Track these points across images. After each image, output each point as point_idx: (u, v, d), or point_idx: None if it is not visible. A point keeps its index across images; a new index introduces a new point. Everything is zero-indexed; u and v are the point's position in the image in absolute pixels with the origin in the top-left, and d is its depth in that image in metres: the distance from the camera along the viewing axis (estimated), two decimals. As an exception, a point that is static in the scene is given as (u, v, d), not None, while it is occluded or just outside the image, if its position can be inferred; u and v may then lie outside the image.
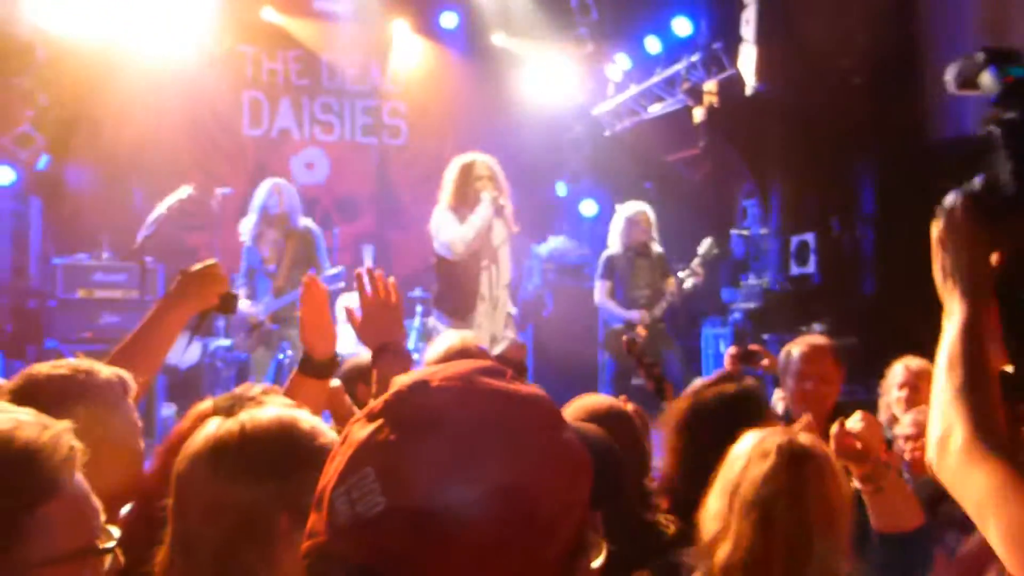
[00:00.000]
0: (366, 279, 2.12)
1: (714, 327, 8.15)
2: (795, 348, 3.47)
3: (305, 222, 6.46)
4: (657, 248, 6.66)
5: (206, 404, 1.82)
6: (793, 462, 1.69)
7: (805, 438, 1.76)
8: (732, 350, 4.16)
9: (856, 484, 2.04)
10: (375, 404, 0.90)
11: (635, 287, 6.54)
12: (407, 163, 10.19)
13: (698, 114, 8.03)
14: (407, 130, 10.28)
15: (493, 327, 5.19)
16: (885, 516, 2.09)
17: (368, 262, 8.37)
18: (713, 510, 1.76)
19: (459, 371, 0.91)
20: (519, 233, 5.54)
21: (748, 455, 1.72)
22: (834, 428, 2.10)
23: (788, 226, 7.71)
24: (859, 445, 2.08)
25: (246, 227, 6.62)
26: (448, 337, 3.06)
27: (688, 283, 6.45)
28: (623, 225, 6.61)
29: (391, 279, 2.14)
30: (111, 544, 1.15)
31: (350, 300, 6.77)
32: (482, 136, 8.58)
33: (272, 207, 6.45)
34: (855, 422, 2.10)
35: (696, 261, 6.41)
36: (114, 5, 8.19)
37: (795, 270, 7.65)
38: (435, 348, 2.98)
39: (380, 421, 0.88)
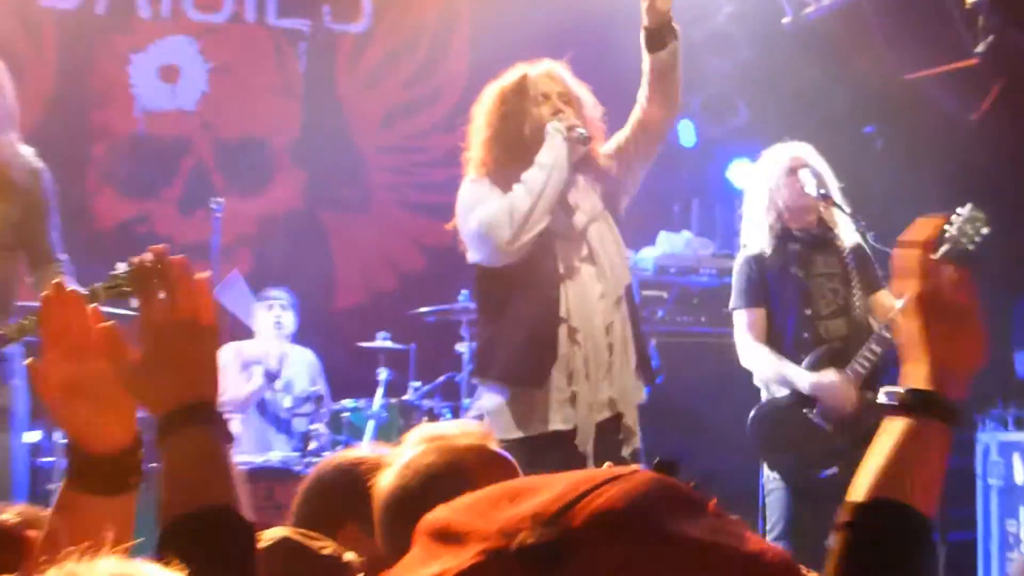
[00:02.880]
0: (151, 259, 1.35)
1: (998, 431, 5.52)
2: None
3: (28, 157, 4.17)
4: (850, 234, 4.47)
5: None
6: None
7: None
8: None
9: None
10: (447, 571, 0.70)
11: (814, 315, 4.41)
12: (371, 75, 7.27)
13: (975, -13, 5.80)
14: (371, 8, 7.16)
15: (601, 393, 3.57)
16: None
17: (284, 323, 5.95)
18: None
19: (634, 504, 0.67)
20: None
21: None
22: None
23: None
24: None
25: None
26: (434, 430, 1.93)
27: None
28: (771, 187, 4.46)
29: (204, 273, 1.31)
30: None
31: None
32: (519, 24, 6.21)
33: None
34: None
35: (943, 250, 4.05)
36: None
37: None
38: (408, 450, 1.89)
39: None
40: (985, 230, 4.26)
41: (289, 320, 5.83)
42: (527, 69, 3.73)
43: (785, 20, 6.56)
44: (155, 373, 1.28)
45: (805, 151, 4.56)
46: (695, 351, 6.28)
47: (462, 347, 5.47)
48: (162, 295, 1.32)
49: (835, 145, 5.59)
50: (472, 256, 3.61)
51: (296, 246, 6.72)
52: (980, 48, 5.67)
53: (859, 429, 4.28)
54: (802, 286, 4.56)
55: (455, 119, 5.48)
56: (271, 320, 5.62)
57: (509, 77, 3.75)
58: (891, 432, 1.23)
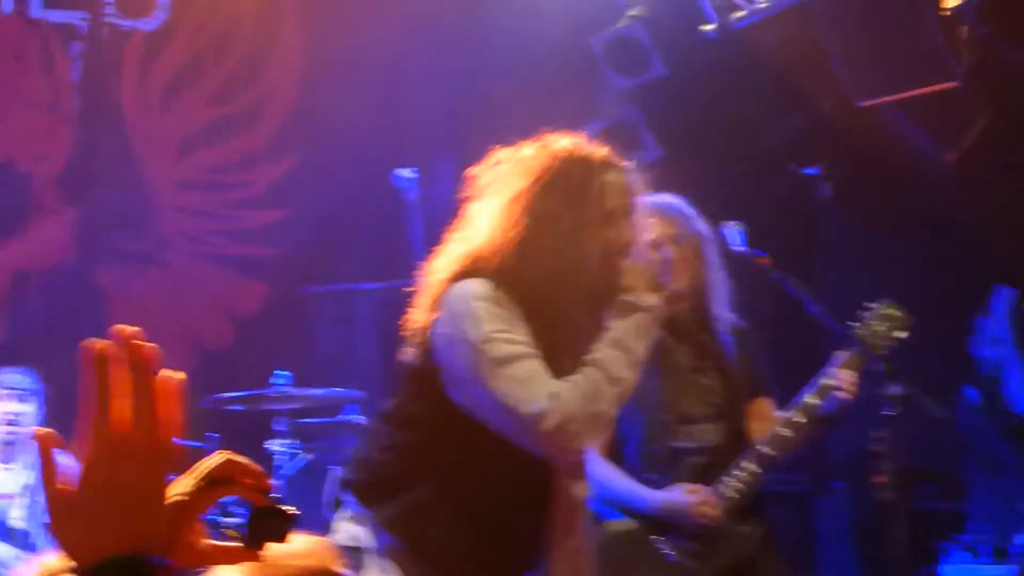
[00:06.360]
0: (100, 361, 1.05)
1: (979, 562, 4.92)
2: None
3: None
4: (729, 314, 3.92)
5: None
6: None
7: None
8: None
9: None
10: None
11: (677, 419, 3.93)
12: (167, 86, 6.38)
13: (952, -18, 5.25)
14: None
15: None
16: None
17: (24, 420, 5.08)
18: None
19: None
20: None
21: None
22: None
23: None
24: None
25: None
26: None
27: (820, 400, 3.68)
28: None
29: (176, 376, 1.06)
30: None
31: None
32: (365, 16, 5.55)
33: None
34: None
35: (846, 355, 3.67)
36: None
37: None
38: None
39: None
40: (901, 334, 3.80)
41: (30, 414, 4.92)
42: (604, 152, 2.85)
43: (707, 28, 5.61)
44: (90, 509, 1.14)
45: (668, 201, 3.90)
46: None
47: (276, 445, 4.93)
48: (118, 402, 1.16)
49: (768, 190, 5.67)
50: (495, 420, 2.83)
51: (62, 310, 5.76)
52: (961, 63, 4.93)
53: (721, 559, 3.84)
54: (656, 380, 3.90)
55: (281, 145, 5.30)
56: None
57: (586, 148, 2.83)
58: None
